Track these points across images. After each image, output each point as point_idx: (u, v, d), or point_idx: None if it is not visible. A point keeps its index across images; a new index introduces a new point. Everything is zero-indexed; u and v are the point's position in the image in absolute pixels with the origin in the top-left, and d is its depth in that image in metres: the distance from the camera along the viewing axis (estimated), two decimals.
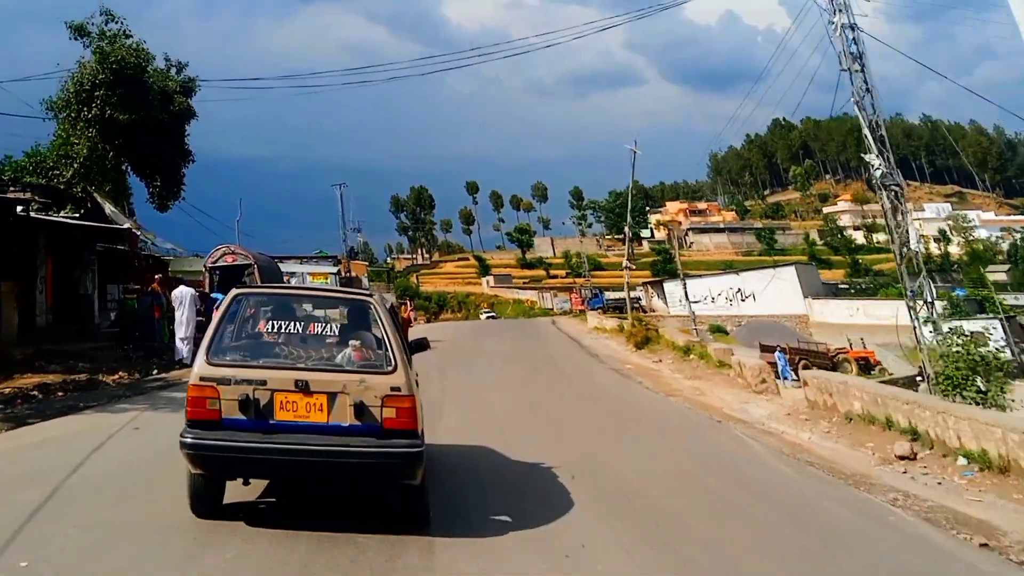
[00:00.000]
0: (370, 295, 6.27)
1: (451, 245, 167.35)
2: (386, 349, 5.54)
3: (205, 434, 5.14)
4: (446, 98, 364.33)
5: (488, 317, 79.27)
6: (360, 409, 5.22)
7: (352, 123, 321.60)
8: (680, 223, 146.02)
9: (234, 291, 5.98)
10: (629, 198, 41.76)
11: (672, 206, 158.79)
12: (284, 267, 35.46)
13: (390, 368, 5.40)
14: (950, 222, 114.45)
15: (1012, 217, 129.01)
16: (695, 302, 51.95)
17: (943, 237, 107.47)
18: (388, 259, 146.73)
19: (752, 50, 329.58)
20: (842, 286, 72.16)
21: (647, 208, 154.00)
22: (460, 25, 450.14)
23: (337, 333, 5.86)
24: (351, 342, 5.72)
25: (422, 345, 7.03)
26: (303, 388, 5.24)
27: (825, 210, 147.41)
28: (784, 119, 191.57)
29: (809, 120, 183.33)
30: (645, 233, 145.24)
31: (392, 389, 5.29)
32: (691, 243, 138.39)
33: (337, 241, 70.56)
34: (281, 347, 5.64)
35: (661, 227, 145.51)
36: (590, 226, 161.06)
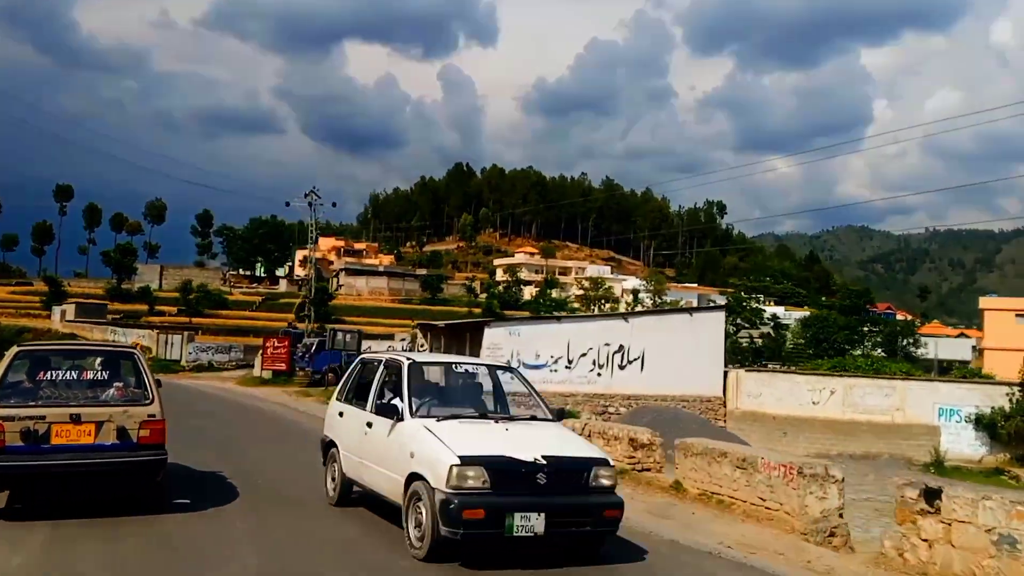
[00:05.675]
0: (133, 348, 8.94)
1: (9, 268, 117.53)
2: (145, 387, 7.50)
3: None
4: (52, 115, 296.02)
5: None
6: (122, 432, 7.05)
7: None
8: (332, 262, 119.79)
9: (16, 348, 7.80)
10: None
11: (325, 243, 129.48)
12: None
13: (148, 401, 7.36)
14: (644, 283, 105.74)
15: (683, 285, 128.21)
16: (537, 366, 26.32)
17: (634, 299, 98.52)
18: None
19: (398, 117, 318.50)
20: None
21: (291, 244, 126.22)
22: (92, 35, 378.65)
23: (106, 377, 7.59)
24: (116, 383, 7.54)
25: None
26: (75, 419, 6.90)
27: (498, 262, 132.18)
28: (467, 165, 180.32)
29: (494, 168, 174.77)
30: (280, 272, 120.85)
31: (149, 416, 7.23)
32: (340, 285, 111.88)
33: None
34: (59, 390, 7.25)
35: (307, 265, 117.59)
36: (214, 256, 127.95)
